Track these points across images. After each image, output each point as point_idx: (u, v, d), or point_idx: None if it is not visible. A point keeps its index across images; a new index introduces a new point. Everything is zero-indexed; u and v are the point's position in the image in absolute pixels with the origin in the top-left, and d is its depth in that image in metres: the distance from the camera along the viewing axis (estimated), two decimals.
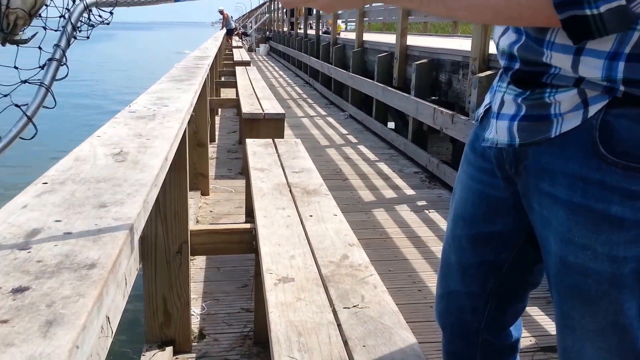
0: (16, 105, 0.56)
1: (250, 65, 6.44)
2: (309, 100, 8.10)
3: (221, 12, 18.12)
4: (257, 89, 4.19)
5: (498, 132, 0.76)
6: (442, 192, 3.72)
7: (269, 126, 3.16)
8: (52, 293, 0.51)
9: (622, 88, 0.62)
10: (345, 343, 1.06)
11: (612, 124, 0.63)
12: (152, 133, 1.25)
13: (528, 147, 0.72)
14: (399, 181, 4.00)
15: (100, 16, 0.64)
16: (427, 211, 3.33)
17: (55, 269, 0.56)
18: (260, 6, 26.19)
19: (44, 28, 0.61)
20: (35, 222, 0.60)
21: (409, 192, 3.76)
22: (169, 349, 1.52)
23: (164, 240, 1.51)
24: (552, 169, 0.69)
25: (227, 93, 6.40)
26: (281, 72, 12.31)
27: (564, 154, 0.67)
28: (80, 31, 0.62)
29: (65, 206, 0.67)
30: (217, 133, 5.36)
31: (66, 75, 0.60)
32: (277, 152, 2.53)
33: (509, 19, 0.65)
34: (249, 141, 2.71)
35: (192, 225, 1.80)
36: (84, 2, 0.59)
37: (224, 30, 13.84)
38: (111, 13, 0.65)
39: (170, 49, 31.06)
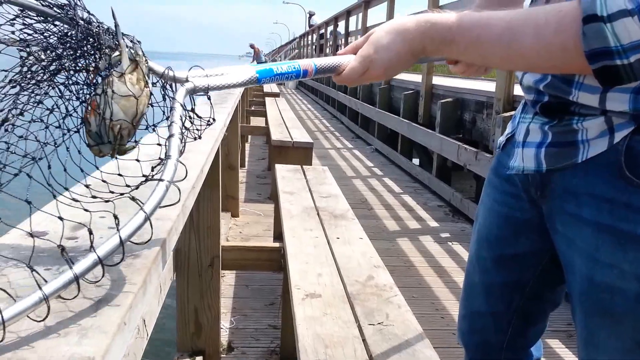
0: (133, 199, 0.56)
1: (279, 97, 6.60)
2: (336, 133, 8.20)
3: (252, 46, 18.64)
4: (286, 119, 4.29)
5: (524, 160, 0.78)
6: (466, 225, 3.69)
7: (297, 154, 3.22)
8: (100, 277, 0.53)
9: None
10: (370, 357, 1.07)
11: (636, 149, 0.65)
12: (187, 147, 1.31)
13: (554, 171, 0.74)
14: (423, 213, 3.99)
15: (199, 117, 0.66)
16: (450, 243, 3.30)
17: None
18: (290, 42, 26.93)
19: (147, 127, 0.62)
20: (81, 218, 0.61)
21: (433, 224, 3.74)
22: (199, 359, 1.54)
23: (196, 253, 1.55)
24: (578, 191, 0.71)
25: (256, 122, 6.54)
26: (309, 106, 12.52)
27: (590, 177, 0.69)
28: (189, 123, 0.63)
29: (109, 205, 0.69)
30: (247, 159, 5.47)
31: (185, 177, 0.61)
32: (306, 177, 2.58)
33: (541, 69, 0.67)
34: (278, 166, 2.77)
35: (223, 242, 1.84)
36: (179, 103, 0.61)
37: (255, 63, 14.19)
38: (209, 97, 0.68)
39: None
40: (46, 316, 0.43)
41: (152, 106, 0.62)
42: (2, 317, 0.39)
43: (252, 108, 6.55)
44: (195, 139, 0.68)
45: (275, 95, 6.75)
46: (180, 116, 0.60)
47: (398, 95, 6.30)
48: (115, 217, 0.53)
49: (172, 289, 1.44)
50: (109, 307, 0.48)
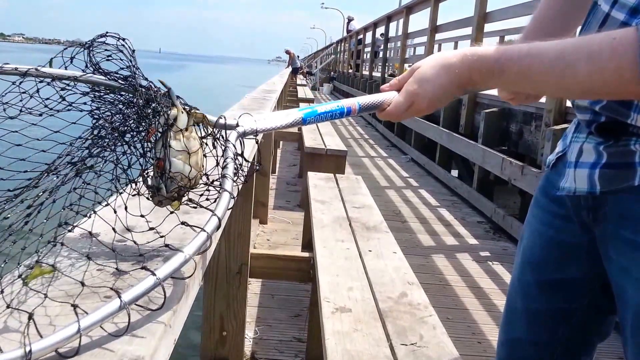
0: (167, 248, 0.63)
1: (313, 103, 6.63)
2: (371, 141, 8.19)
3: (288, 52, 18.98)
4: (320, 125, 4.32)
5: (577, 181, 0.77)
6: (508, 245, 3.61)
7: (330, 161, 3.23)
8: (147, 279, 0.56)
9: None
10: None
11: None
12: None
13: (608, 194, 0.73)
14: (461, 229, 3.92)
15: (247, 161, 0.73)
16: (490, 263, 3.23)
17: (148, 257, 0.62)
18: (326, 47, 27.12)
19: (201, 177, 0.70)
20: (129, 221, 0.67)
21: (472, 241, 3.67)
22: None
23: (225, 259, 1.58)
24: (634, 216, 0.70)
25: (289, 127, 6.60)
26: None
27: None
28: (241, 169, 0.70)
29: (154, 210, 0.73)
30: (277, 165, 5.52)
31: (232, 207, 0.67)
32: (338, 186, 2.58)
33: (596, 95, 0.68)
34: (310, 174, 2.78)
35: (251, 249, 1.86)
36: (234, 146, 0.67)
37: (290, 69, 14.38)
38: (257, 142, 0.77)
39: (235, 83, 32.61)
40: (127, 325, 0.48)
41: (206, 156, 0.70)
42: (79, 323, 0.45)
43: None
44: (243, 182, 0.74)
45: (309, 101, 6.81)
46: (232, 157, 0.67)
47: None
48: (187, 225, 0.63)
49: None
50: (155, 313, 0.51)
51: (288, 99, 8.08)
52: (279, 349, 2.03)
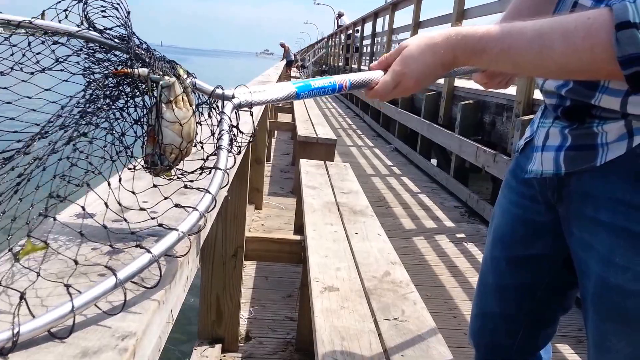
0: (167, 229, 0.56)
1: None
2: (358, 131, 8.17)
3: (282, 45, 18.74)
4: (312, 115, 4.30)
5: (543, 164, 0.77)
6: (481, 227, 3.64)
7: (321, 149, 3.22)
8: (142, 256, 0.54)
9: None
10: (385, 351, 1.07)
11: None
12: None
13: (572, 175, 0.73)
14: (439, 213, 3.95)
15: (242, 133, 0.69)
16: (465, 243, 3.26)
17: (143, 237, 0.59)
18: (318, 41, 26.86)
19: (195, 145, 0.65)
20: (126, 202, 0.63)
21: (449, 224, 3.70)
22: (219, 346, 1.56)
23: (222, 242, 1.57)
24: (596, 194, 0.71)
25: (283, 118, 6.56)
26: (334, 104, 12.50)
27: (607, 181, 0.69)
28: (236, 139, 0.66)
29: (150, 190, 0.71)
30: (272, 153, 5.50)
31: (227, 185, 0.63)
32: (328, 173, 2.58)
33: (571, 74, 0.67)
34: (302, 161, 2.78)
35: (246, 233, 1.86)
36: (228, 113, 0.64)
37: (284, 62, 14.25)
38: (251, 114, 0.72)
39: (231, 76, 32.20)
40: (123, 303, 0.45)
41: (200, 124, 0.65)
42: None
43: (280, 105, 6.58)
44: (236, 154, 0.70)
45: None
46: (228, 129, 0.63)
47: (420, 96, 6.23)
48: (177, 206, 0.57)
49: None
50: (149, 291, 0.49)
51: None
52: (272, 328, 2.04)
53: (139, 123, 0.60)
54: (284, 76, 10.58)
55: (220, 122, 0.64)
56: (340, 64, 15.35)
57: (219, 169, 0.59)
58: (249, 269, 2.57)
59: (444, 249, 3.12)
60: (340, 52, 15.75)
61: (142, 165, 0.63)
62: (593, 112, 0.70)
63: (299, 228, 2.42)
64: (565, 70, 0.64)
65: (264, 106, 2.45)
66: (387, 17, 8.44)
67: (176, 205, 0.60)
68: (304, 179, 2.42)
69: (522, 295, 0.92)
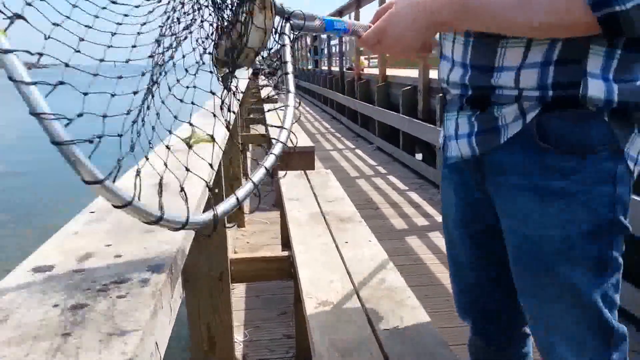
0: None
1: (277, 102, 6.58)
2: (337, 134, 8.18)
3: None
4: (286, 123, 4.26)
5: (461, 149, 0.88)
6: None
7: (300, 159, 3.20)
8: (108, 310, 0.52)
9: (551, 93, 0.75)
10: (386, 359, 1.05)
11: (544, 122, 0.77)
12: (190, 164, 1.29)
13: (485, 154, 0.85)
14: (429, 209, 3.96)
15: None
16: None
17: (110, 287, 0.58)
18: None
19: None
20: (87, 247, 0.62)
21: (440, 219, 3.70)
22: None
23: (205, 268, 1.54)
24: (505, 164, 0.82)
25: (257, 129, 6.53)
26: (308, 108, 12.52)
27: (512, 152, 0.81)
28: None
29: (113, 232, 0.69)
30: (249, 168, 5.46)
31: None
32: (310, 182, 2.56)
33: (553, 30, 0.71)
34: (281, 173, 2.76)
35: (231, 254, 1.82)
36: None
37: (250, 70, 14.19)
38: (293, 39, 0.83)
39: None
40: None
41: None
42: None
43: (251, 116, 6.54)
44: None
45: (273, 101, 6.73)
46: (290, 53, 0.71)
47: (396, 92, 6.27)
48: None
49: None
50: (119, 342, 0.47)
51: (252, 100, 7.97)
52: (270, 348, 2.00)
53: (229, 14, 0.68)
54: (252, 85, 10.52)
55: (282, 49, 0.72)
56: (310, 67, 15.40)
57: (290, 91, 0.69)
58: (238, 290, 2.53)
59: (438, 246, 3.12)
60: (308, 54, 15.80)
61: (216, 57, 0.72)
62: (492, 98, 0.81)
63: (286, 242, 2.40)
64: (547, 27, 0.70)
65: (235, 118, 2.43)
66: (353, 14, 8.50)
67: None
68: (284, 191, 2.40)
69: (487, 264, 0.99)
